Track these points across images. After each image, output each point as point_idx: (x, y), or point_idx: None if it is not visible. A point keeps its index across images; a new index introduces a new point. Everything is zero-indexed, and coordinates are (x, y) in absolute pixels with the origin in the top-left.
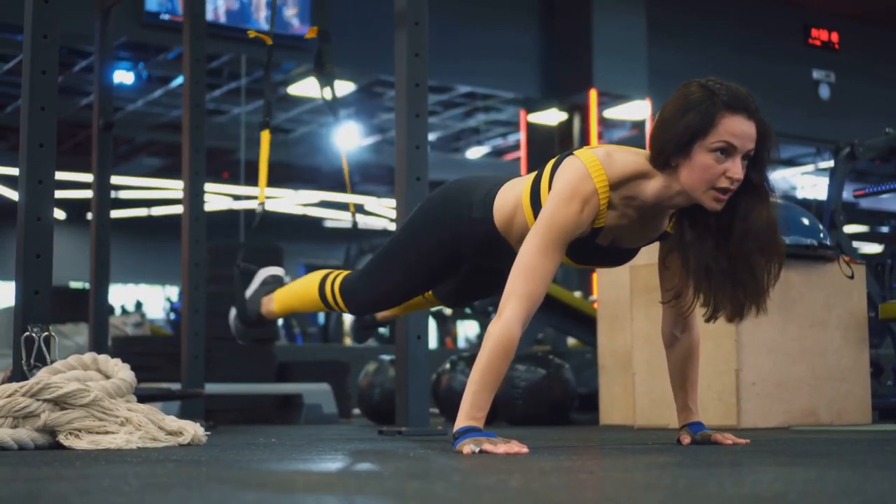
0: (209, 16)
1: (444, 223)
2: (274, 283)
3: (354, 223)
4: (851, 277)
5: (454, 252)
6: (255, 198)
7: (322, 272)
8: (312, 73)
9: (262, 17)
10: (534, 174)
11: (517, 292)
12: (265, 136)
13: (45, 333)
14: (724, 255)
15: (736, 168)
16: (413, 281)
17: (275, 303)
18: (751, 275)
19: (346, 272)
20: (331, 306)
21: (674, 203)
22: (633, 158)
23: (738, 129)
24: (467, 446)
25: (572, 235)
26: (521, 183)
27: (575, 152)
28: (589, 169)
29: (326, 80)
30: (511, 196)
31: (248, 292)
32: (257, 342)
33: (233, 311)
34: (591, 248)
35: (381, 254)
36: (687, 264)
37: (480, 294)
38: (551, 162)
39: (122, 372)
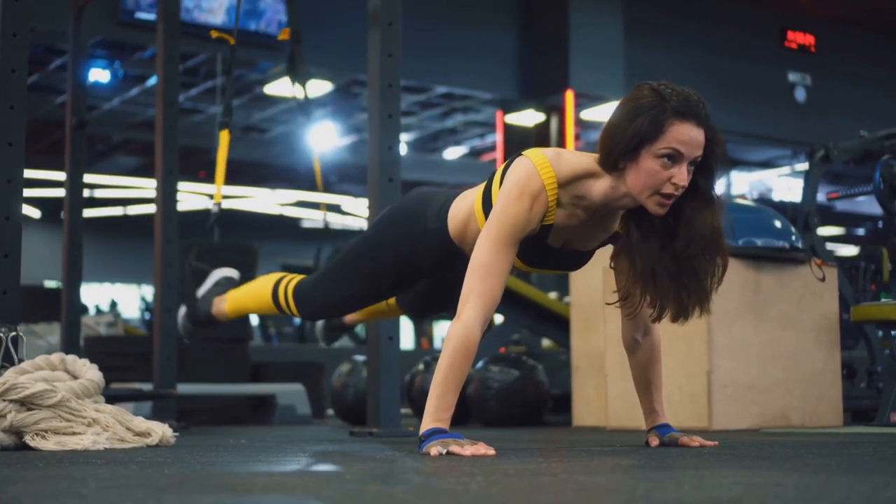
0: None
1: (400, 236)
2: (227, 285)
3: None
4: (823, 280)
5: (412, 265)
6: (232, 197)
7: (277, 275)
8: (287, 73)
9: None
10: (485, 182)
11: (475, 291)
12: (224, 136)
13: (13, 333)
14: (670, 257)
15: (681, 175)
16: (368, 292)
17: (227, 303)
18: (694, 277)
19: (300, 276)
20: (283, 310)
21: (622, 204)
22: (582, 159)
23: (687, 136)
24: (434, 448)
25: (524, 232)
26: (474, 192)
27: (524, 153)
28: (537, 167)
29: (299, 81)
30: (464, 206)
31: (200, 292)
32: (230, 341)
33: (182, 309)
34: (543, 250)
35: (338, 263)
36: (634, 266)
37: (444, 307)
38: (501, 166)
39: (89, 372)
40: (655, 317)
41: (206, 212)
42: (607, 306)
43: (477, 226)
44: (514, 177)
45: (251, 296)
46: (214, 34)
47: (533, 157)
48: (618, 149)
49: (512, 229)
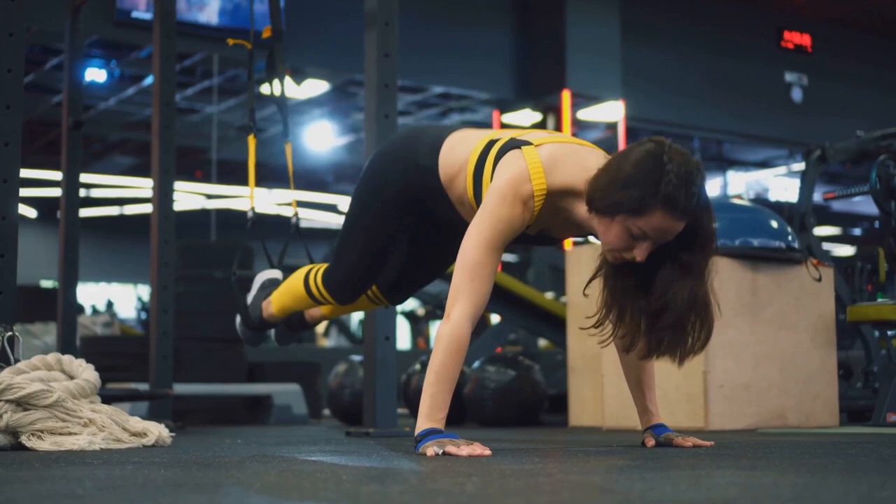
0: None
1: (392, 174)
2: (271, 287)
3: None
4: (819, 280)
5: (402, 204)
6: (227, 197)
7: (306, 268)
8: (266, 72)
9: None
10: (484, 140)
11: (464, 291)
12: (251, 141)
13: (9, 333)
14: (644, 301)
15: (642, 252)
16: (374, 248)
17: (273, 306)
18: (671, 336)
19: (325, 265)
20: (319, 301)
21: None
22: (577, 174)
23: (664, 225)
24: (430, 448)
25: (514, 234)
26: (471, 143)
27: (523, 148)
28: (530, 171)
29: (278, 79)
30: (460, 154)
31: (249, 298)
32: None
33: (238, 318)
34: (519, 236)
35: (341, 231)
36: (605, 293)
37: (422, 278)
38: (500, 143)
39: (86, 373)
40: (624, 347)
41: (202, 211)
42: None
43: (465, 182)
44: (505, 175)
45: (289, 294)
46: (231, 42)
47: (528, 159)
48: (599, 203)
49: (503, 233)
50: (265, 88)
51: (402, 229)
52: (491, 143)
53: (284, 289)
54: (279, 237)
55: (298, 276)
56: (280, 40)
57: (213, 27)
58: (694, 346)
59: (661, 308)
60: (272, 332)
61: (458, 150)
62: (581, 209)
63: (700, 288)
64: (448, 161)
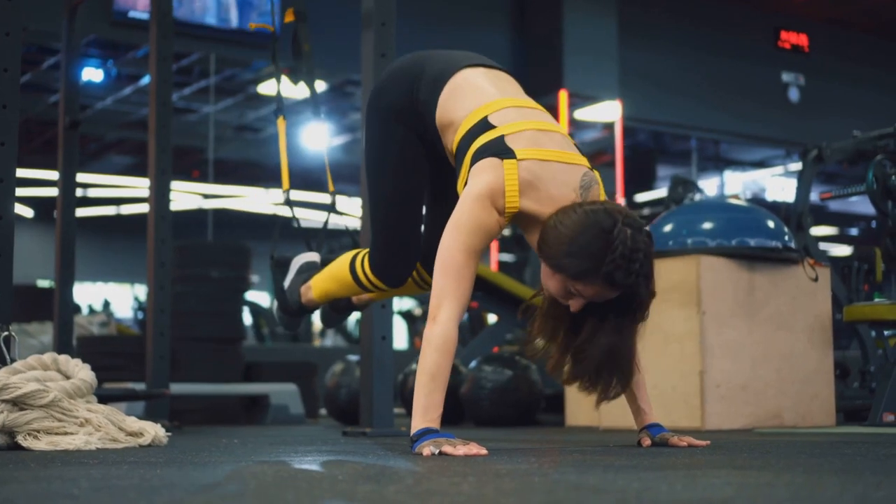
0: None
1: (396, 99)
2: (310, 271)
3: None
4: (815, 280)
5: (408, 129)
6: (224, 197)
7: (350, 254)
8: (292, 57)
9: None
10: (480, 113)
11: (448, 293)
12: (281, 124)
13: (6, 333)
14: (569, 337)
15: (576, 305)
16: (403, 198)
17: (313, 291)
18: (589, 378)
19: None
20: (367, 288)
21: None
22: (547, 204)
23: (601, 294)
24: (427, 448)
25: (492, 238)
26: (469, 104)
27: (505, 162)
28: (506, 188)
29: (305, 65)
30: (457, 107)
31: (286, 282)
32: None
33: (275, 303)
34: None
35: (369, 206)
36: (541, 313)
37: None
38: (487, 138)
39: (82, 372)
40: (551, 368)
41: (199, 211)
42: None
43: (453, 136)
44: (483, 185)
45: (333, 280)
46: (253, 26)
47: (507, 174)
48: (545, 259)
49: (482, 237)
50: (262, 88)
51: (422, 167)
52: (483, 125)
53: (327, 275)
54: (280, 237)
55: (343, 262)
56: (303, 21)
57: (211, 27)
58: (606, 395)
59: (579, 351)
60: (322, 314)
61: (457, 101)
62: (537, 237)
63: (623, 346)
64: (445, 108)
